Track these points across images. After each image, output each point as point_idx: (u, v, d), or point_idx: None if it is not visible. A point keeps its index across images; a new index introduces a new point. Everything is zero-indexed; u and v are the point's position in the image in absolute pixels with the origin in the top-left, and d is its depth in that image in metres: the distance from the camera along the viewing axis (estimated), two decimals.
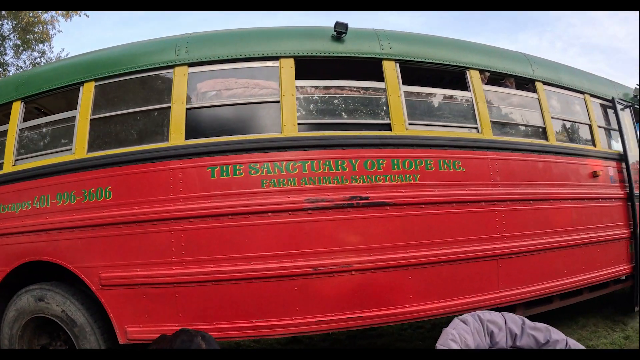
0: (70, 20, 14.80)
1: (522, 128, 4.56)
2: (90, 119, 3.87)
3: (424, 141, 3.84)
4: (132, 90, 4.04)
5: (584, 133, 5.00)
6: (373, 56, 3.94)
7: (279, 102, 3.73)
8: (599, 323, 5.09)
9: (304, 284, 3.56)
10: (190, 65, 3.82)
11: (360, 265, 3.58)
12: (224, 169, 3.58)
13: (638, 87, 5.54)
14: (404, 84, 4.04)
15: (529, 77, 4.55)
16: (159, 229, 3.57)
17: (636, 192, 5.15)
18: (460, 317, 2.75)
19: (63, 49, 18.26)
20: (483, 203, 3.96)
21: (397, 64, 3.97)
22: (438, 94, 4.24)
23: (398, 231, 3.68)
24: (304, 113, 3.92)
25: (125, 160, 3.69)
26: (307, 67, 4.01)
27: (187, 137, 3.67)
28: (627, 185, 5.02)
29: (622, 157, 5.09)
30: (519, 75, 4.53)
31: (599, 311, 5.43)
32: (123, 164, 3.68)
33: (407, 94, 4.02)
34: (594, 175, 4.72)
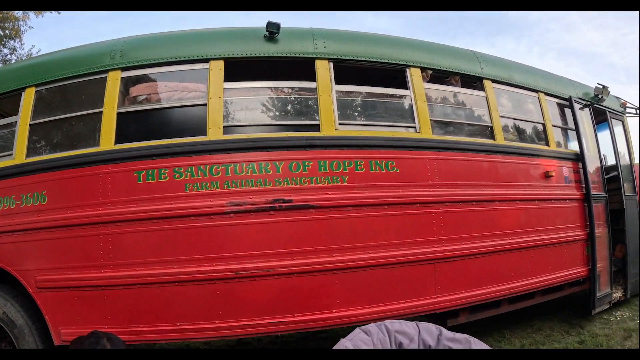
0: (42, 16, 13.86)
1: (468, 127, 4.13)
2: (30, 124, 3.65)
3: (353, 141, 3.50)
4: (69, 96, 3.84)
5: (538, 132, 4.55)
6: (306, 56, 3.62)
7: (205, 105, 3.45)
8: (555, 326, 4.63)
9: (226, 288, 3.29)
10: (123, 69, 3.59)
11: (283, 269, 3.28)
12: (150, 173, 3.34)
13: (600, 86, 5.09)
14: (349, 83, 3.74)
15: (477, 75, 4.15)
16: (88, 233, 3.37)
17: (595, 192, 4.74)
18: (363, 326, 2.47)
19: (34, 46, 17.26)
20: (419, 205, 3.59)
21: (331, 63, 3.63)
22: (376, 93, 3.87)
23: (323, 234, 3.36)
24: (231, 116, 3.65)
25: (59, 165, 3.50)
26: (242, 68, 3.70)
27: (117, 141, 3.45)
28: (584, 185, 4.57)
29: (578, 157, 4.62)
30: (466, 73, 4.12)
31: (557, 314, 4.98)
32: (57, 168, 3.49)
33: (341, 93, 3.69)
34: (546, 175, 4.28)
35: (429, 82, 3.98)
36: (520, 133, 4.46)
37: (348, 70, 3.87)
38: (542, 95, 4.55)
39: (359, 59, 3.74)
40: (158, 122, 3.77)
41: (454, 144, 3.83)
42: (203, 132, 3.44)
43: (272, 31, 3.57)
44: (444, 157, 3.75)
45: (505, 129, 4.28)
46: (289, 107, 3.72)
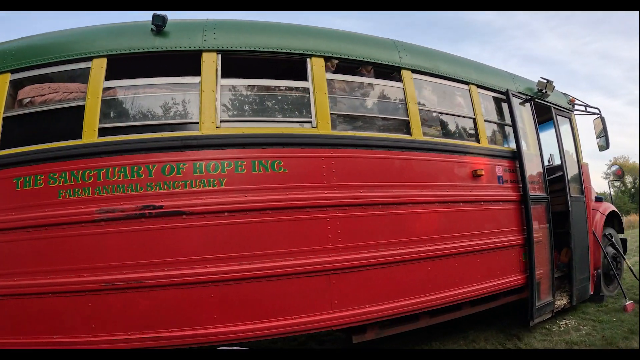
0: None
1: (383, 122, 3.32)
2: None
3: (235, 140, 2.78)
4: None
5: (467, 128, 3.70)
6: (193, 49, 2.90)
7: (83, 106, 2.79)
8: (491, 337, 3.76)
9: (96, 300, 2.63)
10: (13, 71, 2.93)
11: (153, 281, 2.62)
12: (27, 179, 2.72)
13: (544, 80, 4.19)
14: (258, 76, 3.05)
15: (395, 64, 3.32)
16: None
17: (534, 193, 3.92)
18: None
19: None
20: (309, 209, 2.81)
21: (219, 56, 2.91)
22: (270, 86, 3.10)
23: (197, 243, 2.66)
24: (109, 116, 2.93)
25: None
26: (134, 65, 3.00)
27: (2, 147, 2.83)
28: (521, 186, 3.73)
29: (515, 155, 3.78)
30: (380, 62, 3.30)
31: (497, 322, 4.11)
32: None
33: (230, 87, 2.96)
34: (475, 174, 3.43)
35: (334, 72, 3.17)
36: (445, 128, 3.61)
37: (254, 63, 3.18)
38: (473, 87, 3.68)
39: (252, 49, 2.98)
40: (40, 126, 3.05)
41: (358, 140, 3.03)
42: (78, 135, 2.76)
43: (159, 24, 2.93)
44: (345, 154, 2.96)
45: (427, 123, 3.44)
46: (170, 106, 3.00)
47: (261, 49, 3.03)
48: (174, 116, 3.05)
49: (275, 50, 3.06)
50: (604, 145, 4.89)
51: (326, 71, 3.14)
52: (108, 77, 2.88)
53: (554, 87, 4.23)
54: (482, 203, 3.49)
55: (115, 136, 2.80)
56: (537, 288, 3.79)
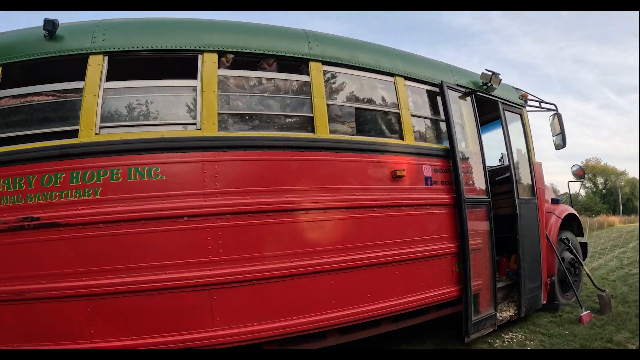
0: None
1: (285, 120, 2.69)
2: None
3: (111, 147, 2.27)
4: None
5: (391, 124, 2.97)
6: (80, 52, 2.40)
7: None
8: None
9: None
10: None
11: (32, 294, 2.17)
12: None
13: (488, 73, 3.41)
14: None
15: (302, 56, 2.68)
16: None
17: (472, 196, 3.13)
18: None
19: None
20: (187, 218, 2.25)
21: (106, 58, 2.39)
22: (157, 87, 2.52)
23: (71, 256, 2.18)
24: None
25: None
26: (31, 72, 2.56)
27: None
28: (455, 188, 3.02)
29: (449, 154, 3.08)
30: (284, 54, 2.67)
31: (436, 335, 3.41)
32: None
33: (113, 91, 2.42)
34: (394, 175, 2.75)
35: (229, 68, 2.57)
36: (362, 125, 2.90)
37: (153, 63, 2.61)
38: (400, 79, 2.97)
39: (140, 49, 2.44)
40: None
41: (247, 141, 2.43)
42: None
43: (49, 29, 2.37)
44: (232, 158, 2.37)
45: (339, 120, 2.78)
46: (53, 113, 2.45)
47: (149, 48, 2.46)
48: (58, 123, 2.49)
49: (163, 48, 2.48)
50: (561, 144, 4.13)
51: (220, 67, 2.54)
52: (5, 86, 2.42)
53: (501, 80, 3.49)
54: (404, 208, 2.80)
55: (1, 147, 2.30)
56: (475, 300, 3.09)
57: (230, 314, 2.31)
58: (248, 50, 2.62)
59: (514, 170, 3.55)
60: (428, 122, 3.18)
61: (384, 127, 2.98)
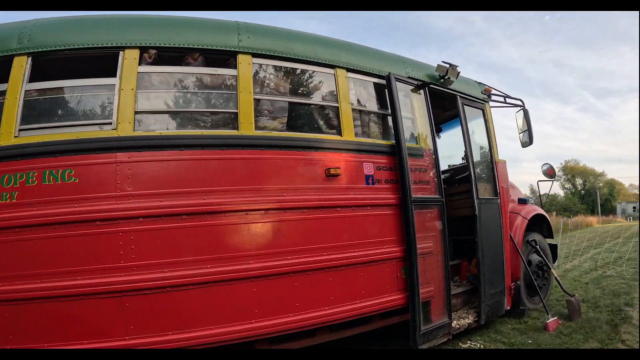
0: None
1: (208, 117, 2.34)
2: None
3: (27, 150, 2.00)
4: None
5: (329, 118, 2.59)
6: (6, 54, 2.12)
7: None
8: None
9: None
10: None
11: None
12: None
13: (445, 65, 2.97)
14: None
15: (229, 49, 2.34)
16: None
17: (420, 195, 2.69)
18: None
19: None
20: (98, 223, 1.96)
21: (30, 59, 2.12)
22: (79, 86, 2.22)
23: None
24: None
25: None
26: None
27: None
28: (401, 187, 2.60)
29: (394, 150, 2.67)
30: (211, 48, 2.32)
31: (392, 342, 3.02)
32: None
33: (34, 92, 2.14)
34: (328, 174, 2.39)
35: (151, 64, 2.25)
36: (295, 120, 2.53)
37: (77, 62, 2.27)
38: (341, 71, 2.59)
39: (61, 48, 2.15)
40: None
41: (163, 140, 2.11)
42: None
43: None
44: (146, 158, 2.06)
45: (271, 115, 2.43)
46: None
47: (71, 47, 2.17)
48: None
49: (85, 46, 2.18)
50: (527, 141, 3.69)
51: (142, 64, 2.23)
52: None
53: (459, 72, 3.08)
54: (339, 209, 2.43)
55: None
56: (426, 308, 2.69)
57: (144, 322, 2.00)
58: (172, 45, 2.29)
59: (474, 168, 3.13)
60: (374, 117, 2.79)
61: (321, 123, 2.61)
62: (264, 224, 2.23)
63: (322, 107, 2.62)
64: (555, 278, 3.67)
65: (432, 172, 2.83)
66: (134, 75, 2.18)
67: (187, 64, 2.36)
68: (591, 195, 42.28)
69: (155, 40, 2.27)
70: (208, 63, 2.39)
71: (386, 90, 2.79)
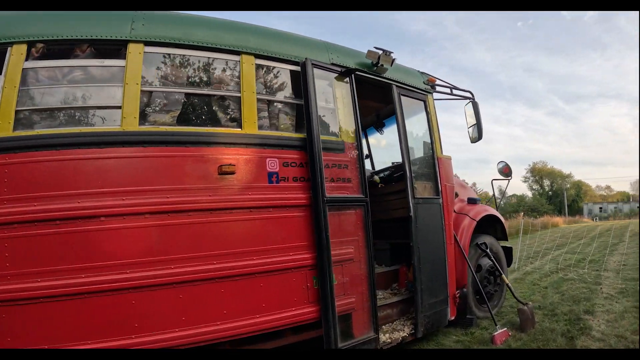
0: None
1: (92, 113, 1.83)
2: None
3: None
4: None
5: (231, 110, 2.05)
6: None
7: None
8: None
9: None
10: None
11: None
12: None
13: (377, 51, 2.42)
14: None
15: (120, 38, 1.85)
16: None
17: (341, 194, 2.14)
18: None
19: None
20: None
21: None
22: None
23: None
24: None
25: None
26: None
27: None
28: (312, 185, 2.06)
29: (305, 144, 2.11)
30: (101, 38, 1.84)
31: None
32: None
33: None
34: (221, 172, 1.87)
35: (38, 59, 1.78)
36: (192, 113, 2.02)
37: None
38: (248, 58, 2.06)
39: None
40: None
41: (38, 140, 1.66)
42: None
43: None
44: (22, 160, 1.63)
45: (165, 108, 1.92)
46: None
47: None
48: None
49: None
50: (476, 136, 3.11)
51: (29, 59, 1.78)
52: None
53: (394, 59, 2.51)
54: (234, 211, 1.90)
55: None
56: (346, 322, 2.12)
57: (17, 335, 1.57)
58: (60, 37, 1.83)
59: (409, 164, 2.55)
60: (287, 107, 2.25)
61: (220, 115, 2.08)
62: (144, 229, 1.75)
63: (223, 98, 2.07)
64: (507, 285, 3.06)
65: (355, 169, 2.25)
66: (19, 72, 1.75)
67: (76, 57, 1.86)
68: (559, 196, 41.31)
69: (43, 33, 1.81)
70: (99, 55, 1.90)
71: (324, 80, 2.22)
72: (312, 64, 2.21)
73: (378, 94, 2.85)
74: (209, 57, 2.05)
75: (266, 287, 1.95)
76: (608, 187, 53.52)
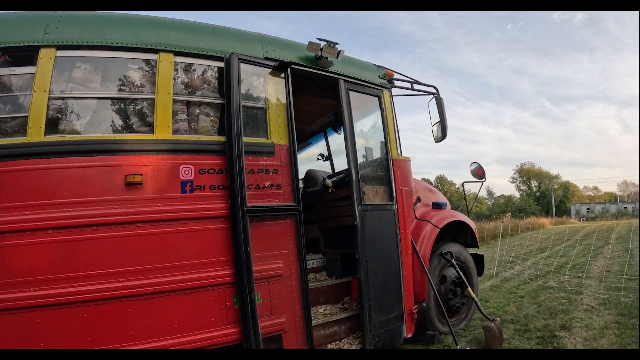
0: None
1: (3, 124, 1.52)
2: None
3: None
4: None
5: (144, 114, 1.68)
6: None
7: None
8: None
9: None
10: None
11: None
12: None
13: (320, 42, 1.98)
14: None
15: (33, 43, 1.56)
16: None
17: (266, 203, 1.75)
18: None
19: None
20: None
21: None
22: None
23: None
24: None
25: None
26: None
27: None
28: (230, 194, 1.68)
29: (224, 150, 1.73)
30: (13, 45, 1.54)
31: None
32: None
33: None
34: (127, 182, 1.54)
35: None
36: (101, 119, 1.65)
37: None
38: (166, 56, 1.72)
39: None
40: None
41: None
42: None
43: None
44: None
45: (73, 116, 1.59)
46: None
47: None
48: None
49: None
50: (440, 135, 2.65)
51: None
52: None
53: (340, 51, 2.07)
54: (141, 225, 1.57)
55: None
56: (276, 343, 1.73)
57: None
58: None
59: (356, 167, 2.12)
60: (209, 108, 1.86)
61: (133, 120, 1.75)
62: (47, 245, 1.46)
63: (137, 101, 1.70)
64: (473, 299, 2.57)
65: (287, 174, 1.84)
66: None
67: None
68: (546, 197, 39.61)
69: None
70: (15, 62, 1.61)
71: (259, 77, 1.85)
72: (240, 58, 1.83)
73: (333, 90, 2.42)
74: (125, 58, 1.72)
75: (179, 307, 1.61)
76: (595, 188, 51.59)
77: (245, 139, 1.77)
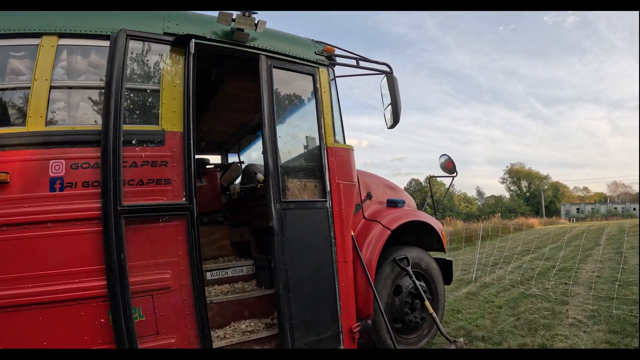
0: None
1: None
2: None
3: None
4: None
5: (18, 106, 1.37)
6: None
7: None
8: None
9: None
10: None
11: None
12: None
13: (234, 13, 1.54)
14: None
15: None
16: None
17: (148, 202, 1.35)
18: None
19: None
20: None
21: None
22: None
23: None
24: None
25: None
26: None
27: None
28: (103, 191, 1.29)
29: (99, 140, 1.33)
30: None
31: None
32: None
33: None
34: None
35: None
36: None
37: None
38: (49, 39, 1.39)
39: None
40: None
41: None
42: None
43: None
44: None
45: None
46: None
47: None
48: None
49: None
50: (392, 121, 2.18)
51: None
52: None
53: (259, 22, 1.61)
54: (4, 228, 1.26)
55: None
56: None
57: None
58: None
59: (273, 156, 1.64)
60: (94, 94, 1.45)
61: (9, 112, 1.41)
62: None
63: (13, 91, 1.43)
64: (431, 315, 2.04)
65: (179, 166, 1.40)
66: None
67: None
68: (536, 198, 38.10)
69: None
70: None
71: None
72: (130, 35, 1.44)
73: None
74: (5, 45, 1.40)
75: (47, 322, 1.27)
76: (585, 189, 49.74)
77: (127, 127, 1.38)
